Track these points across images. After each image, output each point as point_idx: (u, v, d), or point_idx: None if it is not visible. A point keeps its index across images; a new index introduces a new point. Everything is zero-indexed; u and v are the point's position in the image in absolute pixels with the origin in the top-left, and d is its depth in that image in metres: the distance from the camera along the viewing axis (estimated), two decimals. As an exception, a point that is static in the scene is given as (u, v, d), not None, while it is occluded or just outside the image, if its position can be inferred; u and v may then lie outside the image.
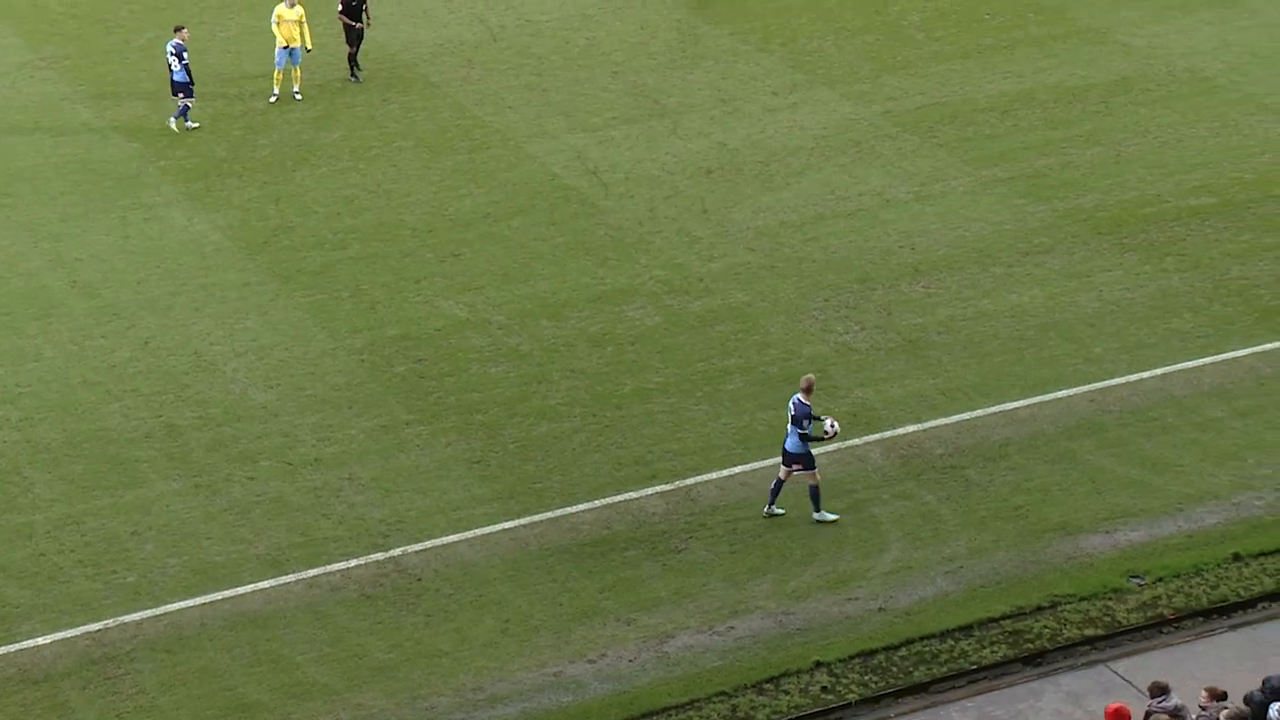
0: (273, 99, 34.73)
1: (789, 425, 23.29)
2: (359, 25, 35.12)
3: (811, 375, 23.74)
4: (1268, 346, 26.86)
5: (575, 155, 32.78)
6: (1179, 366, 26.51)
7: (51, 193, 32.03)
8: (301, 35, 34.46)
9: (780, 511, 23.82)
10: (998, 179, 31.52)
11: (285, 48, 34.44)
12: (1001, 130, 33.05)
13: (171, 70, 33.50)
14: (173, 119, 33.89)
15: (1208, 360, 26.64)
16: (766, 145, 32.77)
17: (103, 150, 33.38)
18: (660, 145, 32.78)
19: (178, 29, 33.90)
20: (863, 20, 37.24)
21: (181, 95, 33.73)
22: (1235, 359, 26.67)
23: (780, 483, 23.69)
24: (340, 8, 35.22)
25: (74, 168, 32.81)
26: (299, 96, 34.76)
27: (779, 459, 23.64)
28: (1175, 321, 27.57)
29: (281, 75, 34.70)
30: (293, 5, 34.34)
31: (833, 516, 23.72)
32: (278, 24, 34.44)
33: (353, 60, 35.56)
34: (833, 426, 23.33)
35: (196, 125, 34.05)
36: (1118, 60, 35.23)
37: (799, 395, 23.38)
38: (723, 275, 29.08)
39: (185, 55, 33.47)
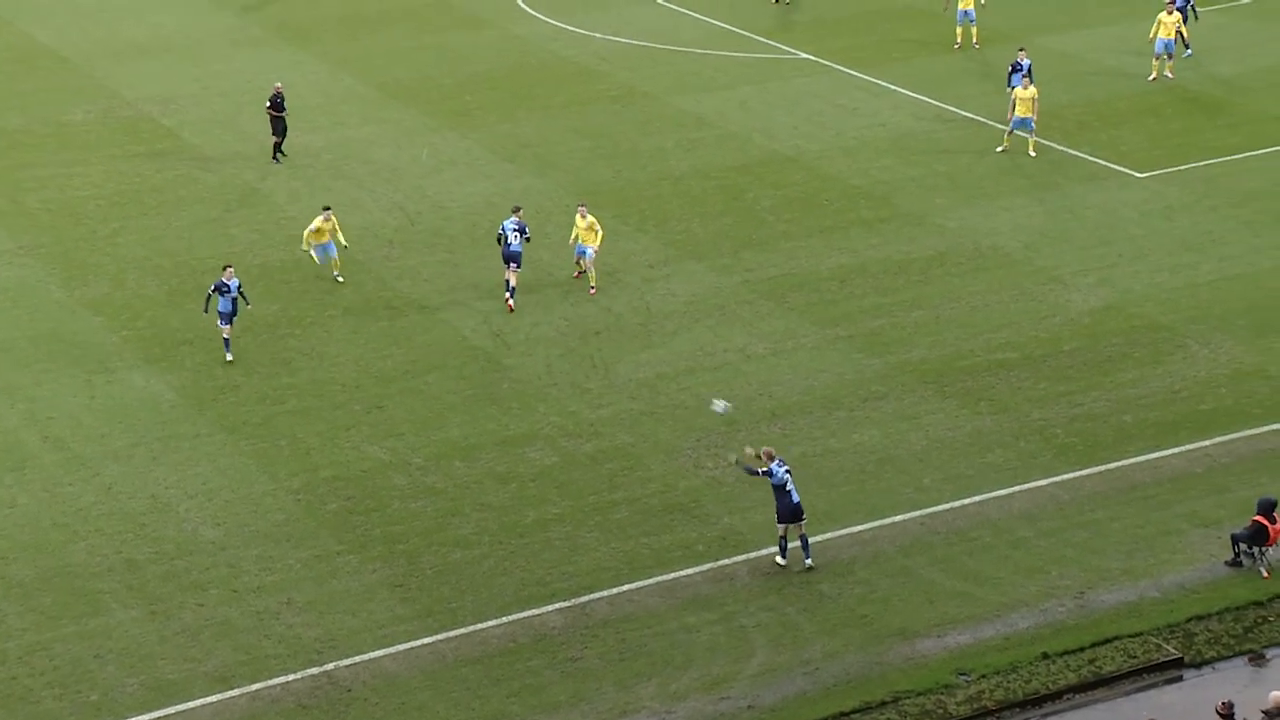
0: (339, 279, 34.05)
1: (789, 487, 24.31)
2: (283, 115, 38.71)
3: (769, 448, 24.95)
4: (1064, 476, 27.28)
5: (482, 319, 32.86)
6: (993, 494, 26.82)
7: (27, 360, 31.51)
8: (334, 236, 33.90)
9: (810, 563, 24.68)
10: (839, 337, 31.99)
11: (321, 245, 33.77)
12: (841, 296, 33.59)
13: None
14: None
15: (1016, 489, 27.00)
16: (645, 310, 33.08)
17: (72, 324, 32.95)
18: (555, 310, 33.00)
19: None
20: (723, 205, 37.90)
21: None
22: (1038, 487, 27.06)
23: (786, 539, 24.60)
24: (268, 104, 39.32)
25: (47, 339, 32.33)
26: (340, 279, 34.01)
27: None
28: (989, 456, 27.98)
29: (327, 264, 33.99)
30: (328, 219, 33.76)
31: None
32: (316, 232, 33.60)
33: (277, 147, 39.09)
34: (725, 407, 25.05)
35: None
36: (934, 239, 35.99)
37: (778, 460, 24.48)
38: (610, 420, 29.16)
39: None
